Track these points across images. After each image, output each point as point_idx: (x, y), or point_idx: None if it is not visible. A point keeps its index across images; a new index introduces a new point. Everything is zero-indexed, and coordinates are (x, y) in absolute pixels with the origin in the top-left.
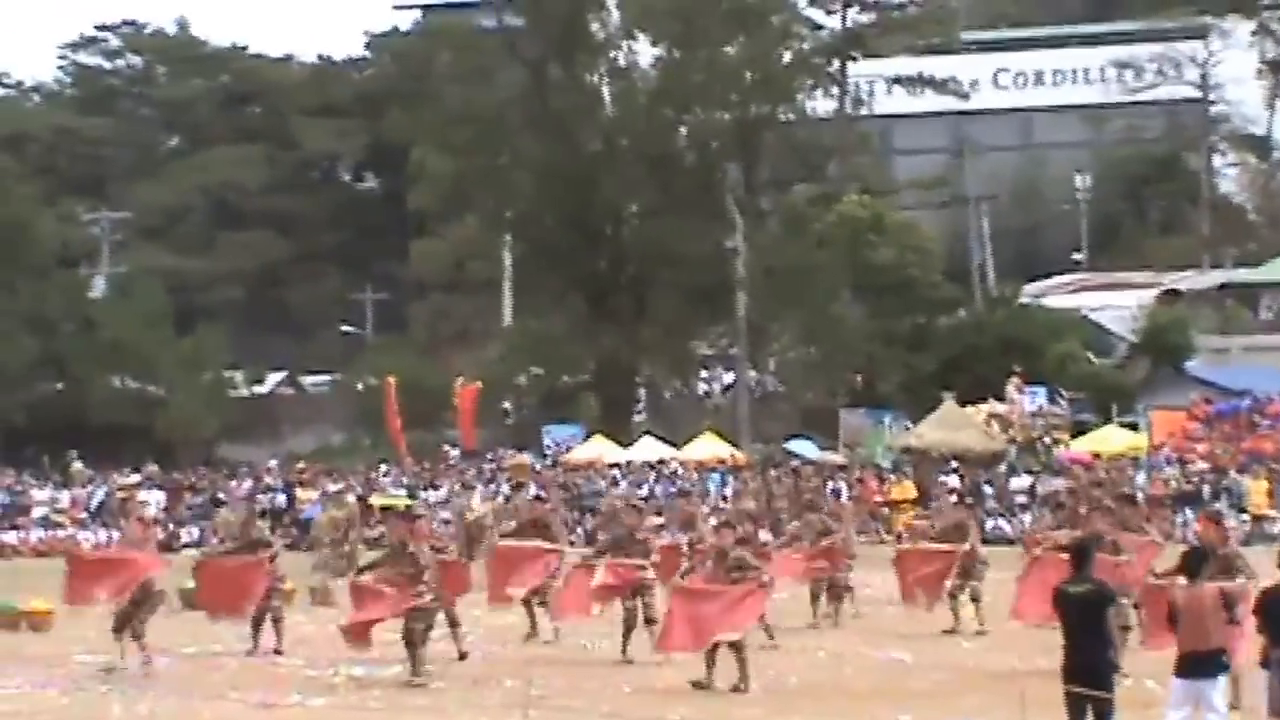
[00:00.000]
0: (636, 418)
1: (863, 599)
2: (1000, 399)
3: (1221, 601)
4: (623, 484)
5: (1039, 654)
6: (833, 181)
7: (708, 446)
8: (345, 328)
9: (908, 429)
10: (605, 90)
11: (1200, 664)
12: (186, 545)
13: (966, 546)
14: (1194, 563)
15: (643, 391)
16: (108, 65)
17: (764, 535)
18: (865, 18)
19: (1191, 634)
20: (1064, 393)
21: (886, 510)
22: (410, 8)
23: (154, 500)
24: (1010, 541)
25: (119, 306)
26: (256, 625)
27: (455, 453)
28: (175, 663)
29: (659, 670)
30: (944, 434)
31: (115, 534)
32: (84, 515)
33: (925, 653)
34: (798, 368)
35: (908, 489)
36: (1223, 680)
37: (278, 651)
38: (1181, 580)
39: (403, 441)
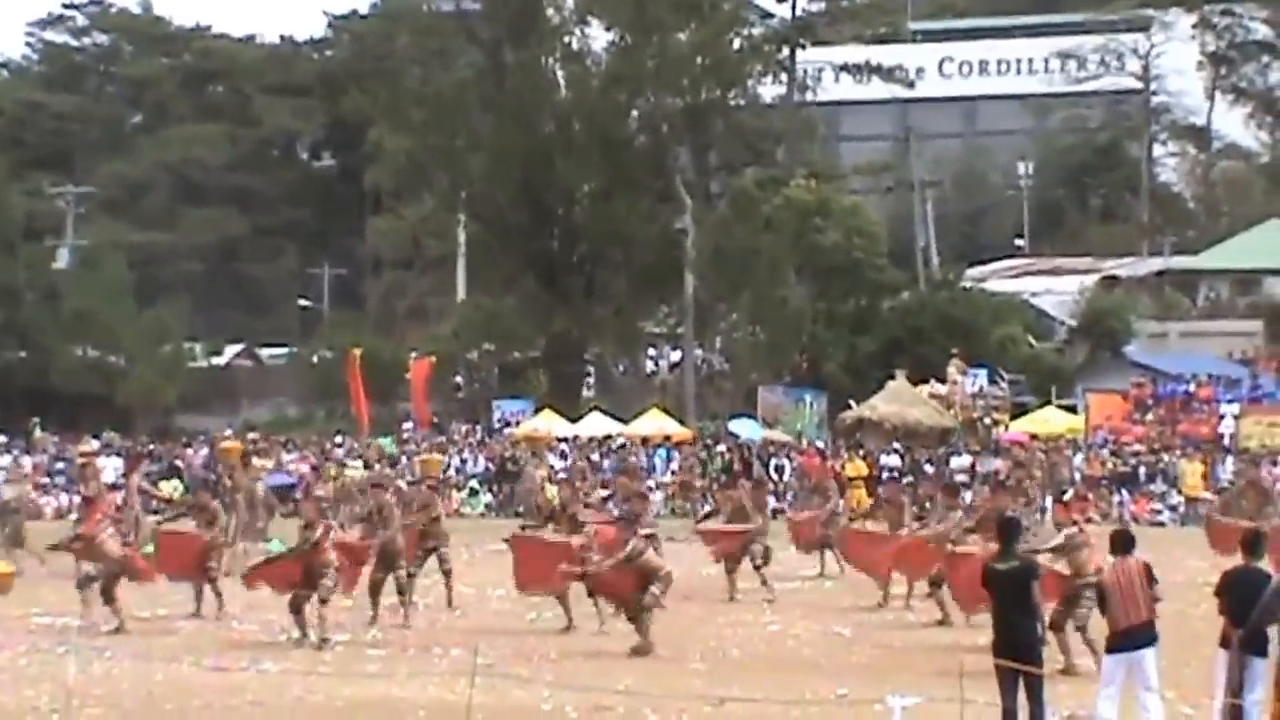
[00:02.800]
0: (585, 393)
1: (804, 573)
2: (942, 380)
3: (1146, 577)
4: (570, 457)
5: (979, 630)
6: (780, 166)
7: (654, 422)
8: (303, 302)
9: (849, 406)
10: (559, 74)
11: (1132, 636)
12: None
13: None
14: (1122, 541)
15: (592, 368)
16: (75, 43)
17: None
18: (814, 6)
19: (1123, 610)
20: (1004, 374)
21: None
22: None
23: (112, 467)
24: None
25: (82, 278)
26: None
27: (409, 426)
28: (130, 625)
29: (603, 640)
30: (897, 408)
31: (75, 498)
32: (46, 480)
33: (866, 627)
34: (744, 347)
35: (859, 467)
36: (1152, 652)
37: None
38: (1110, 559)
39: (365, 413)
